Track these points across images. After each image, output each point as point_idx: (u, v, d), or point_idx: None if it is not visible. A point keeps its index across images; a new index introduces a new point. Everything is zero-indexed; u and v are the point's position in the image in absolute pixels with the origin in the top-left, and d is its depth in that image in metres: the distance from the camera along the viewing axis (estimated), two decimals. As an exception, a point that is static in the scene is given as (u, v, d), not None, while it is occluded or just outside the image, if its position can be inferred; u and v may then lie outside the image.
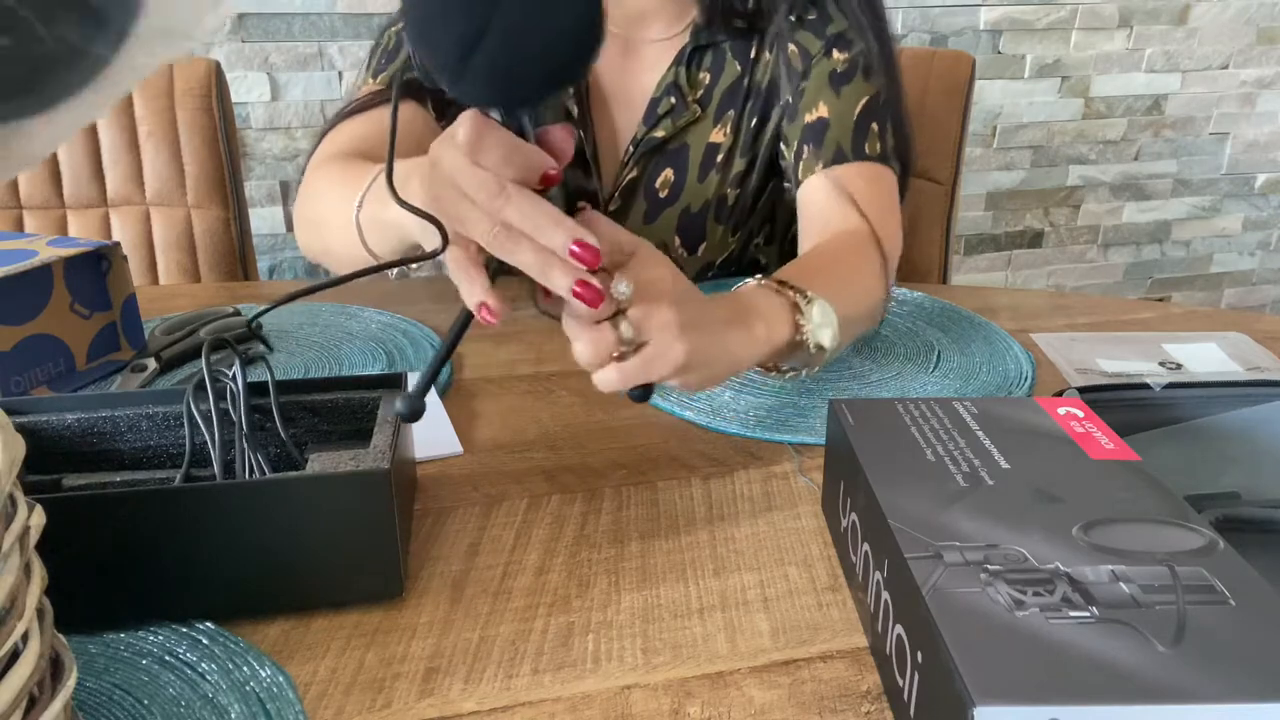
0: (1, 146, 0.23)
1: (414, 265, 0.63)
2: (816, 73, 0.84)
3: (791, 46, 0.85)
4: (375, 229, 0.62)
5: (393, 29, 0.88)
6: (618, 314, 0.49)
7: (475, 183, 0.46)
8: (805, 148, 0.82)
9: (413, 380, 0.70)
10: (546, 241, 0.46)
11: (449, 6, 0.40)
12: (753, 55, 0.87)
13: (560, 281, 0.46)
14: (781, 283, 0.62)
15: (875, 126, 0.81)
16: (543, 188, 0.47)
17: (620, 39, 0.89)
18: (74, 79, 0.23)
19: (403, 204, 0.48)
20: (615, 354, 0.49)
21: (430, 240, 0.51)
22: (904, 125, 0.85)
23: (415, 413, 0.47)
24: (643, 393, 0.51)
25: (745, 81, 0.87)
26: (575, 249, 0.45)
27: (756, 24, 0.86)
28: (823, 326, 0.61)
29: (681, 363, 0.50)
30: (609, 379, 0.49)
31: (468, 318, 0.49)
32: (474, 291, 0.48)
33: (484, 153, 0.46)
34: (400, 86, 0.82)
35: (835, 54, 0.83)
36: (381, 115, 0.83)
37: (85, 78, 0.23)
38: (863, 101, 0.81)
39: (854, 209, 0.76)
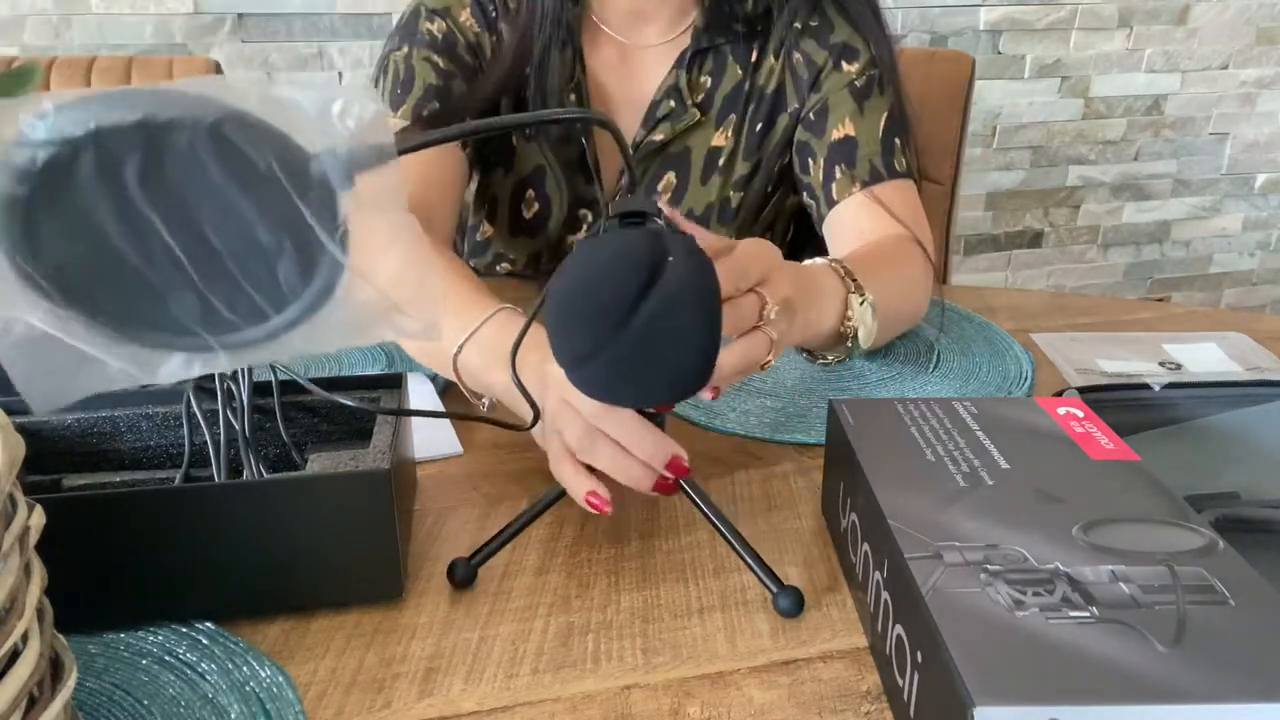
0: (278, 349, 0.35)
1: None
2: (830, 86, 0.84)
3: (796, 55, 0.85)
4: (470, 375, 0.62)
5: (397, 53, 0.87)
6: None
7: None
8: (837, 168, 0.82)
9: (413, 382, 0.70)
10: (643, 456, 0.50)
11: (569, 324, 0.43)
12: (754, 59, 0.87)
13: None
14: (847, 271, 0.65)
15: (898, 142, 0.83)
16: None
17: (619, 42, 0.88)
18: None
19: (519, 384, 0.51)
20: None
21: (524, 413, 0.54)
22: (909, 130, 0.86)
23: (467, 581, 0.49)
24: None
25: (747, 85, 0.87)
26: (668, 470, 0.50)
27: (757, 27, 0.86)
28: (864, 325, 0.64)
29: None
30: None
31: (559, 494, 0.52)
32: (580, 483, 0.50)
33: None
34: (424, 120, 0.81)
35: (845, 66, 0.84)
36: (416, 155, 0.81)
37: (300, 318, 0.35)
38: (883, 117, 0.83)
39: (895, 221, 0.78)
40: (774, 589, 0.47)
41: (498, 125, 0.47)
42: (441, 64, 0.84)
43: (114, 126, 0.30)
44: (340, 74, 1.87)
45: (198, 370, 0.34)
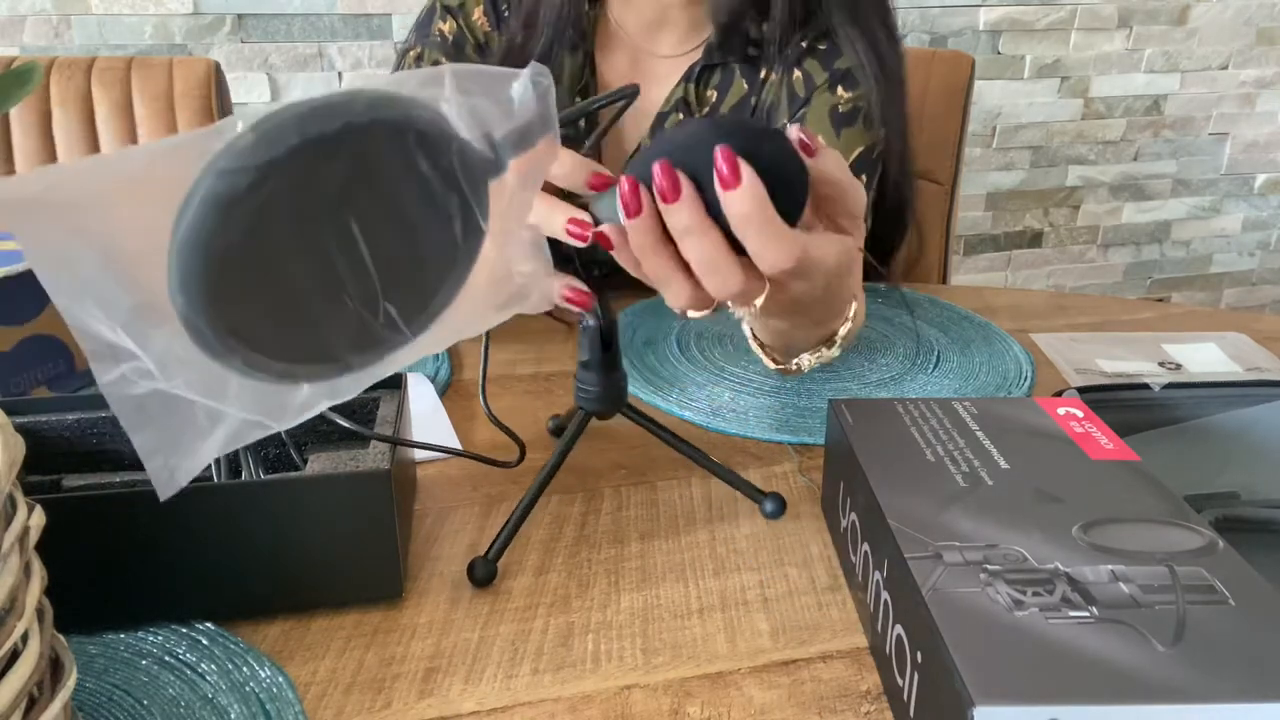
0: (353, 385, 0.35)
1: None
2: (818, 103, 0.83)
3: (797, 73, 0.85)
4: None
5: (411, 53, 0.87)
6: None
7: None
8: None
9: (414, 383, 0.70)
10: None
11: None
12: (761, 77, 0.87)
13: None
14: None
15: (864, 178, 0.82)
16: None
17: (633, 49, 0.89)
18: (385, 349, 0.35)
19: (492, 417, 0.54)
20: None
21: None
22: (906, 174, 0.85)
23: (488, 579, 0.49)
24: None
25: (752, 101, 0.87)
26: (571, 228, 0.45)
27: (767, 53, 0.86)
28: (850, 331, 0.58)
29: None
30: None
31: (553, 468, 0.53)
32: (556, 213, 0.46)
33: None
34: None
35: (840, 90, 0.83)
36: None
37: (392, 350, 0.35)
38: (858, 150, 0.82)
39: None
40: (758, 498, 0.55)
41: None
42: None
43: (317, 136, 0.29)
44: (340, 75, 1.87)
45: (323, 405, 0.34)
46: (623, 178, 0.42)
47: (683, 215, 0.40)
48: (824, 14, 0.83)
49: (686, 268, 0.43)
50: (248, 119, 0.29)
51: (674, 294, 0.44)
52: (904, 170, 0.86)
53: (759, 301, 0.45)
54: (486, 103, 0.34)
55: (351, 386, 0.35)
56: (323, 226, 0.31)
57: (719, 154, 0.39)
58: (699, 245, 0.41)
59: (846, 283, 0.51)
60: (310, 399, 0.34)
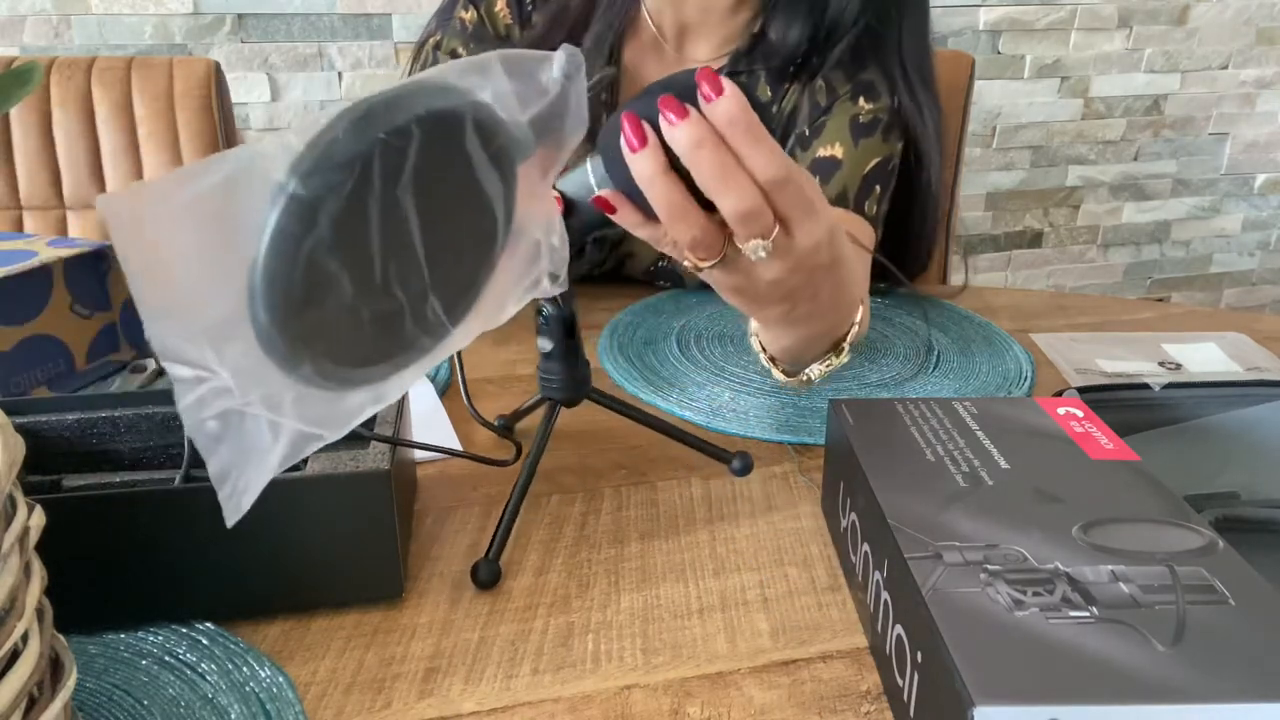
0: (390, 389, 0.35)
1: None
2: (839, 112, 0.83)
3: (819, 81, 0.85)
4: None
5: (431, 39, 0.88)
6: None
7: None
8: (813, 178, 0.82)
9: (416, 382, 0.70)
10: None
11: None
12: (785, 86, 0.88)
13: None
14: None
15: (879, 189, 0.83)
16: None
17: (663, 51, 0.89)
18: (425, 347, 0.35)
19: (478, 417, 0.55)
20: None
21: None
22: (935, 207, 0.86)
23: (492, 580, 0.49)
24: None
25: (773, 109, 0.87)
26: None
27: (789, 70, 0.86)
28: (856, 342, 0.60)
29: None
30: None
31: (536, 458, 0.54)
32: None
33: None
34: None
35: (861, 101, 0.83)
36: None
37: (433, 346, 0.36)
38: (875, 161, 0.82)
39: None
40: (726, 457, 0.58)
41: None
42: (464, 55, 0.85)
43: (394, 129, 0.29)
44: (340, 74, 1.87)
45: (370, 410, 0.34)
46: (622, 116, 0.43)
47: (693, 128, 0.42)
48: (879, 54, 0.84)
49: (696, 195, 0.44)
50: (329, 114, 0.29)
51: (686, 226, 0.45)
52: (938, 189, 0.87)
53: (770, 245, 0.45)
54: (523, 85, 0.34)
55: (396, 389, 0.35)
56: (387, 222, 0.31)
57: (700, 74, 0.42)
58: (713, 155, 0.42)
59: (844, 271, 0.52)
60: (358, 406, 0.34)
